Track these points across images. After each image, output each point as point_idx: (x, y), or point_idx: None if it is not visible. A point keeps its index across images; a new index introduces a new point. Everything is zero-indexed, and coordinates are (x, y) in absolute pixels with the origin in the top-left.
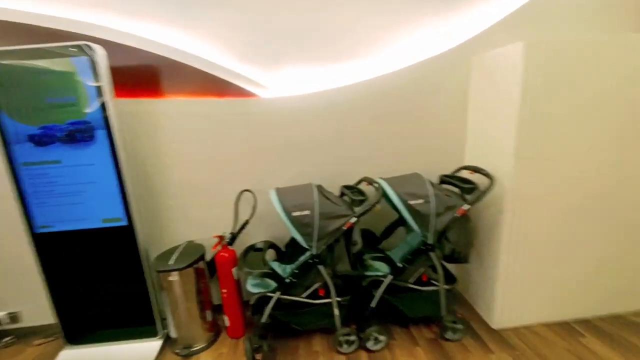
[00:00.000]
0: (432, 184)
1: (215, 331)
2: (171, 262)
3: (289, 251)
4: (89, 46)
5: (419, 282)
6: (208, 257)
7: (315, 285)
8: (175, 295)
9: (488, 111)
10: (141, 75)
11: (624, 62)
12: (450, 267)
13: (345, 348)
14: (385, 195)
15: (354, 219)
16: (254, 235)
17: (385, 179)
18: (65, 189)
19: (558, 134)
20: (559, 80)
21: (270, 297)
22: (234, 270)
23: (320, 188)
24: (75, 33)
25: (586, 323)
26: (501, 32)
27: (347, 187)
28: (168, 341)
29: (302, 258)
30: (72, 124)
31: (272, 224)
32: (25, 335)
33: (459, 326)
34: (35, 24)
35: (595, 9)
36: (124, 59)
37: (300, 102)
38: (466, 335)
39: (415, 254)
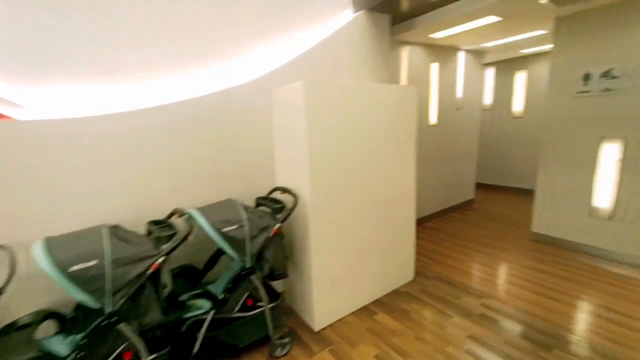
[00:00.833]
0: (246, 208)
1: None
2: None
3: (79, 315)
4: None
5: (244, 308)
6: None
7: (118, 350)
8: None
9: (288, 138)
10: None
11: (367, 101)
12: (277, 283)
13: None
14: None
15: (161, 259)
16: (20, 307)
17: (199, 209)
18: None
19: (334, 155)
20: (328, 112)
21: None
22: None
23: (114, 229)
24: None
25: (378, 302)
26: (294, 68)
27: (154, 222)
28: None
29: (95, 322)
30: None
31: (47, 286)
32: None
33: (286, 340)
34: None
35: (357, 62)
36: None
37: (84, 126)
38: (294, 346)
39: (237, 281)
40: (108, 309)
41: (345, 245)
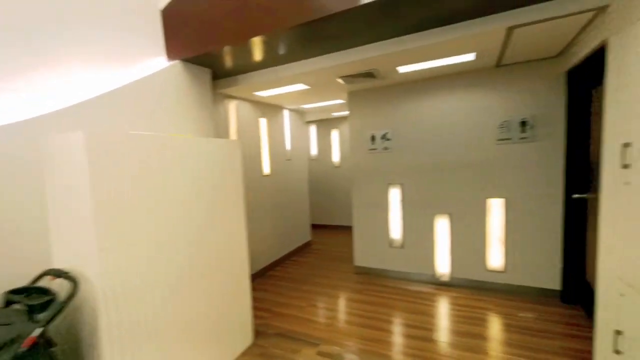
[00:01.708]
0: None
1: None
2: None
3: None
4: None
5: None
6: None
7: None
8: None
9: (66, 201)
10: None
11: (183, 156)
12: None
13: None
14: None
15: None
16: None
17: None
18: None
19: (139, 221)
20: (125, 168)
21: None
22: None
23: None
24: None
25: None
26: (91, 111)
27: None
28: None
29: None
30: None
31: None
32: None
33: None
34: None
35: (177, 114)
36: None
37: None
38: None
39: None
40: None
41: (163, 330)
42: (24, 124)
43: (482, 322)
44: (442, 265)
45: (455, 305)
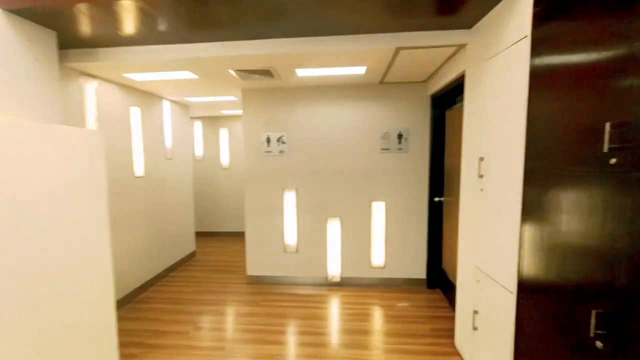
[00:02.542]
0: None
1: None
2: None
3: None
4: None
5: None
6: None
7: None
8: None
9: None
10: None
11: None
12: None
13: None
14: None
15: None
16: None
17: None
18: None
19: None
20: None
21: None
22: None
23: None
24: None
25: None
26: None
27: None
28: None
29: None
30: None
31: None
32: None
33: None
34: None
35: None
36: None
37: None
38: None
39: None
40: None
41: None
42: None
43: (368, 317)
44: (334, 267)
45: (345, 305)
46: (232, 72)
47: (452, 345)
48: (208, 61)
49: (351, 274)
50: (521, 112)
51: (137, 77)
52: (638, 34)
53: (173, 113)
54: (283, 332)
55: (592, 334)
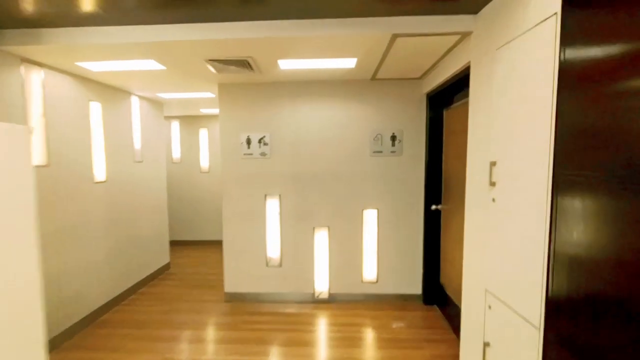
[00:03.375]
0: None
1: None
2: None
3: None
4: None
5: None
6: None
7: None
8: None
9: None
10: None
11: None
12: None
13: None
14: None
15: None
16: None
17: None
18: None
19: None
20: None
21: None
22: None
23: None
24: None
25: None
26: None
27: None
28: None
29: None
30: None
31: None
32: None
33: None
34: None
35: None
36: None
37: None
38: None
39: None
40: None
41: None
42: None
43: (360, 341)
44: (321, 282)
45: (334, 326)
46: (204, 62)
47: None
48: (175, 47)
49: (340, 289)
50: (546, 107)
51: (93, 67)
52: None
53: (143, 111)
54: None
55: None
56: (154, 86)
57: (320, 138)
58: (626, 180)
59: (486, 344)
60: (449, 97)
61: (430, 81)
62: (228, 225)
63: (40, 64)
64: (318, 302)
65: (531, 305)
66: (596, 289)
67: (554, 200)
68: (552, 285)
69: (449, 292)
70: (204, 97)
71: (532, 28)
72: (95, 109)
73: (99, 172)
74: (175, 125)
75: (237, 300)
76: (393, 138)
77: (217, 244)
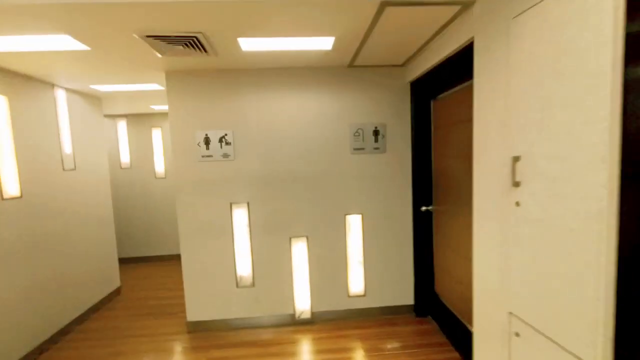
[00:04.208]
0: None
1: None
2: None
3: None
4: None
5: None
6: None
7: None
8: None
9: None
10: None
11: None
12: None
13: None
14: None
15: None
16: None
17: None
18: None
19: None
20: None
21: None
22: None
23: None
24: None
25: None
26: None
27: None
28: None
29: None
30: None
31: None
32: None
33: None
34: None
35: None
36: None
37: None
38: None
39: None
40: None
41: None
42: None
43: None
44: (302, 301)
45: (319, 353)
46: (140, 39)
47: None
48: (94, 16)
49: (324, 307)
50: (604, 84)
51: None
52: None
53: (74, 107)
54: None
55: None
56: (83, 76)
57: (292, 135)
58: None
59: None
60: (437, 86)
61: (415, 68)
62: (186, 242)
63: None
64: (299, 324)
65: (586, 339)
66: None
67: (623, 205)
68: (622, 319)
69: (446, 301)
70: (151, 89)
71: None
72: (0, 105)
73: (10, 186)
74: (122, 125)
75: (201, 329)
76: (376, 133)
77: (178, 259)
